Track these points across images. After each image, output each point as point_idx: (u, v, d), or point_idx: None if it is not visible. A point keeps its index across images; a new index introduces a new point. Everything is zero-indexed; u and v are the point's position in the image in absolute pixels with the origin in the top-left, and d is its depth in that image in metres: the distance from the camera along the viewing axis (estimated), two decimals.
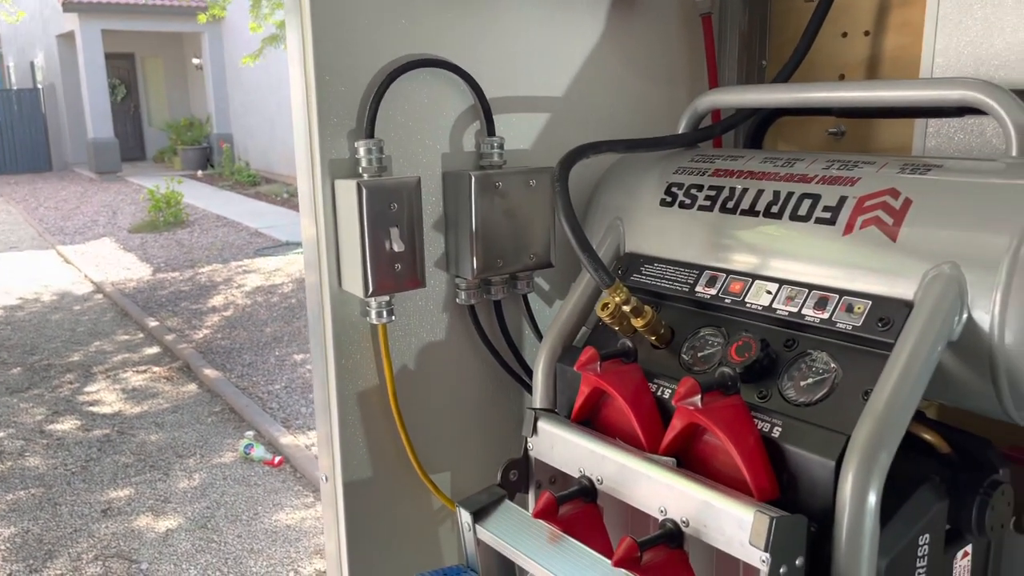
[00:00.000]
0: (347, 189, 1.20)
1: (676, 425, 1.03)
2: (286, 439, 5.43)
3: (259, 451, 5.19)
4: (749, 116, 1.44)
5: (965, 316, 0.92)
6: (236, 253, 11.23)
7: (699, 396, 0.97)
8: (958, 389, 0.97)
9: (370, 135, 1.22)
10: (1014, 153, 0.99)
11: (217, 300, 8.88)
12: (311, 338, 1.31)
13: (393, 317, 1.27)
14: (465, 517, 1.17)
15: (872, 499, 0.88)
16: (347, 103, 1.22)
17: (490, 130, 1.34)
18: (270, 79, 17.32)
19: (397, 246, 1.21)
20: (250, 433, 5.54)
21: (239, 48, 18.61)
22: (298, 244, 11.25)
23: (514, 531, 1.13)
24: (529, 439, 1.23)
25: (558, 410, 1.29)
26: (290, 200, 15.45)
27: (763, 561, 0.90)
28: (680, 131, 1.39)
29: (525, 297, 1.44)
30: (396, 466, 1.36)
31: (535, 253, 1.36)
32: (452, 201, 1.31)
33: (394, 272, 1.23)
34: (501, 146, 1.34)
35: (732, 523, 0.93)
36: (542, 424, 1.20)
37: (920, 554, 1.00)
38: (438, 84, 1.30)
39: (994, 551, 1.13)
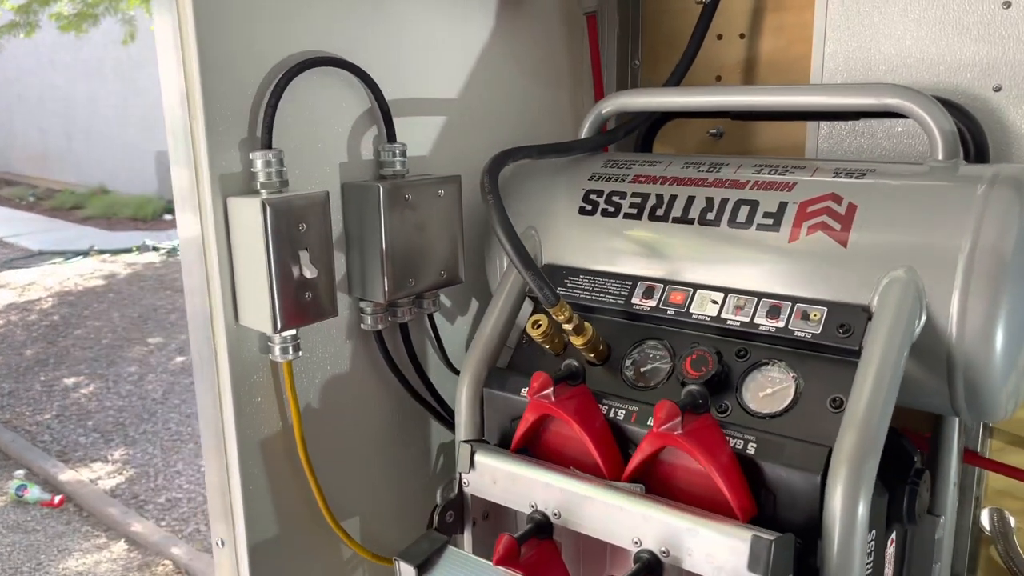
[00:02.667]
0: (245, 208, 1.02)
1: (646, 449, 0.98)
2: (65, 475, 4.84)
3: (34, 491, 4.57)
4: (647, 119, 1.42)
5: (924, 319, 0.94)
6: None
7: (679, 419, 0.93)
8: (912, 390, 0.99)
9: (267, 145, 1.05)
10: (940, 156, 1.03)
11: None
12: (198, 383, 1.12)
13: (300, 353, 1.11)
14: (407, 571, 1.05)
15: (862, 510, 0.88)
16: (237, 109, 1.04)
17: (390, 136, 1.21)
18: (7, 69, 15.35)
19: (309, 272, 1.05)
20: (20, 472, 4.88)
21: None
22: (56, 254, 10.09)
23: None
24: (464, 475, 1.12)
25: (487, 439, 1.19)
26: (37, 204, 13.81)
27: None
28: (583, 135, 1.33)
29: (431, 317, 1.32)
30: (304, 519, 1.20)
31: (445, 269, 1.25)
32: (355, 216, 1.17)
33: (304, 302, 1.07)
34: (404, 153, 1.21)
35: (722, 548, 0.89)
36: (480, 458, 1.10)
37: (868, 551, 1.01)
38: (331, 86, 1.15)
39: (910, 535, 1.18)
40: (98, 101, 14.07)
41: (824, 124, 1.33)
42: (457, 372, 1.40)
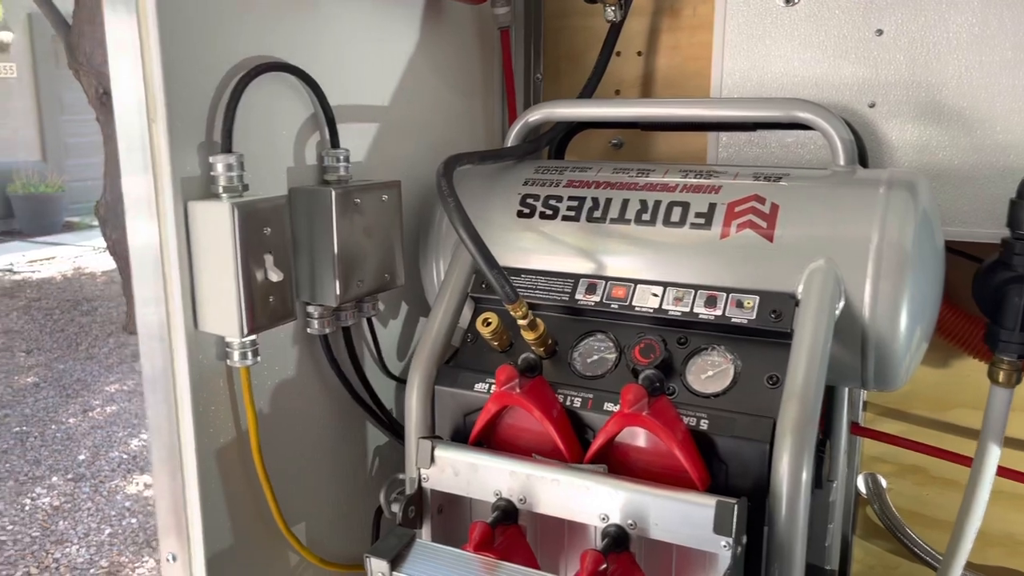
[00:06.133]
0: (211, 212, 1.01)
1: (611, 430, 1.05)
2: None
3: None
4: (562, 129, 1.51)
5: (843, 302, 1.09)
6: None
7: (646, 401, 1.01)
8: (830, 366, 1.13)
9: (228, 149, 1.04)
10: (841, 162, 1.18)
11: None
12: (150, 395, 1.08)
13: (259, 358, 1.10)
14: (379, 566, 1.07)
15: (806, 474, 1.00)
16: (196, 113, 1.02)
17: (334, 141, 1.22)
18: None
19: (275, 275, 1.04)
20: None
21: None
22: None
23: (444, 570, 1.05)
24: (424, 470, 1.15)
25: (439, 434, 1.23)
26: None
27: (725, 546, 0.97)
28: (510, 143, 1.40)
29: (370, 321, 1.34)
30: (257, 528, 1.18)
31: (388, 272, 1.28)
32: (304, 221, 1.17)
33: (267, 305, 1.06)
34: (347, 159, 1.23)
35: (688, 516, 0.99)
36: (441, 452, 1.14)
37: None
38: (277, 90, 1.15)
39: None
40: None
41: (724, 134, 1.47)
42: (391, 375, 1.42)
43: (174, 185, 1.00)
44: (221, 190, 1.03)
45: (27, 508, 4.53)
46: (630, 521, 1.02)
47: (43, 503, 4.57)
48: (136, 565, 4.00)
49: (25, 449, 5.21)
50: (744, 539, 0.99)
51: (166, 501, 1.11)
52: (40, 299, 8.47)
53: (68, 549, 4.14)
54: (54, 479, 4.83)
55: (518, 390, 1.09)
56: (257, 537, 1.19)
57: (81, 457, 5.10)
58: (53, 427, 5.52)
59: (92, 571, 3.95)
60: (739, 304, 1.12)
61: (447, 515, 1.21)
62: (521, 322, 1.14)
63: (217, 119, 1.05)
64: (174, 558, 1.12)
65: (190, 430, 1.06)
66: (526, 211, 1.29)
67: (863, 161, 1.32)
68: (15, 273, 9.39)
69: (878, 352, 1.10)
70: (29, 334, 7.39)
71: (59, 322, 7.74)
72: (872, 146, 1.37)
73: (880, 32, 1.34)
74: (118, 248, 7.01)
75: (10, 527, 4.37)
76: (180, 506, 1.10)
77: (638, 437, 1.07)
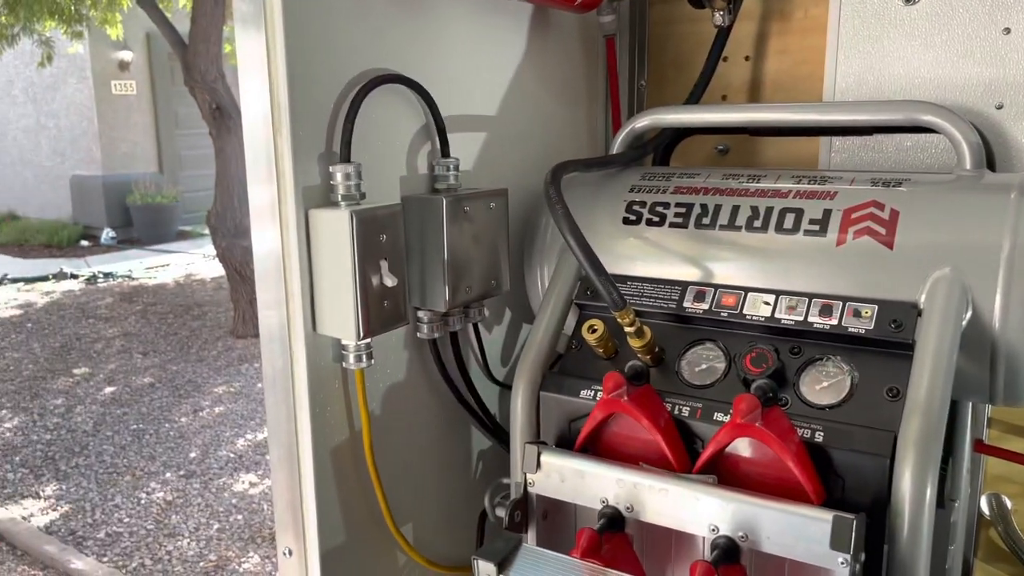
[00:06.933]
0: (331, 220, 1.05)
1: (722, 440, 1.04)
2: None
3: None
4: (668, 136, 1.50)
5: (969, 314, 1.04)
6: None
7: (759, 411, 0.99)
8: (955, 380, 1.08)
9: (347, 159, 1.08)
10: (968, 167, 1.13)
11: None
12: (270, 395, 1.12)
13: (372, 361, 1.13)
14: (487, 569, 1.08)
15: (930, 491, 0.95)
16: (317, 124, 1.06)
17: (444, 151, 1.25)
18: None
19: (390, 280, 1.08)
20: None
21: None
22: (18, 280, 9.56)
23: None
24: (530, 475, 1.16)
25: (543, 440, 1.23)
26: None
27: (843, 563, 0.93)
28: (615, 150, 1.40)
29: (476, 326, 1.36)
30: (368, 527, 1.21)
31: (495, 279, 1.30)
32: (415, 228, 1.20)
33: (383, 310, 1.10)
34: (457, 168, 1.25)
35: (802, 530, 0.96)
36: (547, 458, 1.14)
37: None
38: (392, 102, 1.18)
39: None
40: (8, 124, 13.49)
41: (837, 139, 1.43)
42: (495, 380, 1.44)
43: (296, 194, 1.04)
44: (340, 198, 1.07)
45: (143, 502, 4.78)
46: (740, 533, 1.00)
47: (157, 497, 4.81)
48: (242, 560, 4.16)
49: (141, 446, 5.50)
50: (863, 556, 0.96)
51: (283, 498, 1.15)
52: (155, 304, 8.93)
53: (179, 542, 4.34)
54: (167, 475, 5.08)
55: (625, 397, 1.08)
56: (368, 536, 1.22)
57: (192, 455, 5.35)
58: (167, 425, 5.80)
59: (201, 564, 4.13)
60: (856, 313, 1.09)
61: (552, 521, 1.22)
62: (628, 329, 1.14)
63: (336, 130, 1.08)
64: (290, 553, 1.16)
65: (307, 429, 1.10)
66: (632, 218, 1.29)
67: (991, 165, 1.26)
68: (133, 279, 9.93)
69: (1008, 365, 1.05)
70: (145, 337, 7.81)
71: (172, 326, 8.14)
72: (1000, 149, 1.30)
73: (1008, 31, 1.28)
74: (227, 256, 7.33)
75: (127, 519, 4.62)
76: (297, 503, 1.14)
77: (748, 448, 1.05)
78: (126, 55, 12.25)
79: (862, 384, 1.06)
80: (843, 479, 1.02)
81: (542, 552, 1.10)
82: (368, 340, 1.11)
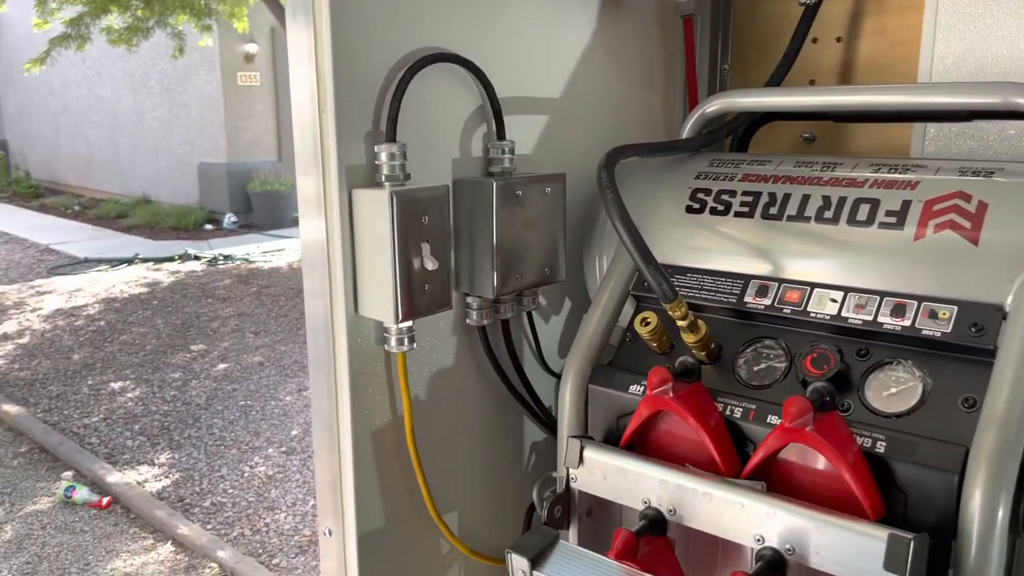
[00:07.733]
0: (372, 200, 1.03)
1: (772, 445, 0.96)
2: (113, 477, 4.90)
3: (82, 493, 4.63)
4: (745, 121, 1.41)
5: None
6: (25, 273, 10.07)
7: (811, 415, 0.91)
8: None
9: (392, 138, 1.06)
10: None
11: (9, 326, 7.89)
12: (314, 375, 1.13)
13: (415, 344, 1.11)
14: (520, 564, 1.05)
15: (1002, 513, 0.86)
16: (363, 102, 1.05)
17: (500, 133, 1.21)
18: (53, 80, 15.72)
19: (430, 264, 1.06)
20: (68, 474, 4.95)
21: (15, 45, 16.75)
22: (101, 261, 10.25)
23: (583, 575, 1.01)
24: (572, 470, 1.12)
25: (591, 435, 1.19)
26: (83, 213, 14.09)
27: None
28: (685, 135, 1.33)
29: (530, 315, 1.32)
30: (408, 512, 1.20)
31: (549, 266, 1.26)
32: (466, 212, 1.17)
33: (424, 293, 1.08)
34: (512, 151, 1.22)
35: (854, 547, 0.88)
36: (590, 453, 1.10)
37: None
38: (446, 82, 1.16)
39: (1018, 546, 1.15)
40: (143, 113, 14.35)
41: (931, 126, 1.31)
42: (550, 371, 1.40)
43: (339, 173, 1.04)
44: (384, 178, 1.05)
45: (246, 475, 4.98)
46: (788, 546, 0.93)
47: (259, 471, 5.00)
48: None
49: (248, 421, 5.73)
50: None
51: (325, 478, 1.15)
52: (269, 286, 9.30)
53: (277, 515, 4.50)
54: (270, 451, 5.28)
55: (671, 395, 1.02)
56: (408, 521, 1.21)
57: (294, 432, 5.54)
58: (272, 403, 6.03)
59: (296, 538, 4.27)
60: (932, 315, 0.99)
61: (596, 519, 1.17)
62: (680, 323, 1.08)
63: (384, 109, 1.07)
64: (330, 532, 1.16)
65: (347, 411, 1.10)
66: (696, 206, 1.22)
67: None
68: (250, 262, 10.37)
69: None
70: (258, 318, 8.14)
71: (283, 308, 8.46)
72: None
73: None
74: None
75: (231, 490, 4.82)
76: (337, 484, 1.14)
77: (804, 455, 0.98)
78: (252, 48, 12.79)
79: (935, 392, 0.97)
80: (906, 495, 0.93)
81: (578, 550, 1.06)
82: (410, 323, 1.10)
